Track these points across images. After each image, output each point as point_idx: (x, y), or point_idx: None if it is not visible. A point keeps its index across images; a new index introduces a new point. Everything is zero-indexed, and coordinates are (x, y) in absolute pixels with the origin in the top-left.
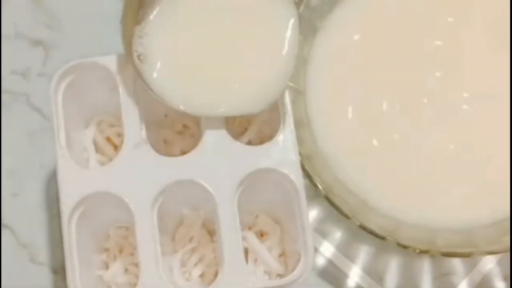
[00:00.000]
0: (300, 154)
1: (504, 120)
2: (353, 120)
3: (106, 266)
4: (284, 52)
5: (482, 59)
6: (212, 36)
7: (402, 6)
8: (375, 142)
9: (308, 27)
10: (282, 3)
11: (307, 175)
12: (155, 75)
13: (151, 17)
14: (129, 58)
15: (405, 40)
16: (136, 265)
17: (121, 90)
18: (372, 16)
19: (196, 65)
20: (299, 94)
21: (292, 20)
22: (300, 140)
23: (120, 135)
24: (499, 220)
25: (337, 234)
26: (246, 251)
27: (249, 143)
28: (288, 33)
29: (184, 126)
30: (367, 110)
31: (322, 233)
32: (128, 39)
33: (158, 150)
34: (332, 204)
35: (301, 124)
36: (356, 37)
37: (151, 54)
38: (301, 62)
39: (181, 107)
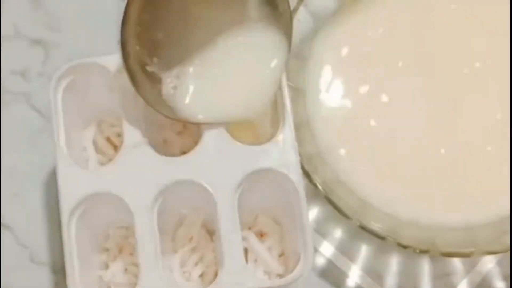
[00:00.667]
0: (300, 154)
1: (504, 119)
2: (354, 120)
3: (106, 266)
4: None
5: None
6: (221, 57)
7: (402, 8)
8: (375, 142)
9: (308, 27)
10: (276, 38)
11: (307, 175)
12: (185, 98)
13: (190, 69)
14: (129, 77)
15: (405, 41)
16: (136, 265)
17: (120, 90)
18: (372, 17)
19: (210, 81)
20: (299, 94)
21: (275, 61)
22: (300, 140)
23: (120, 135)
24: (499, 220)
25: (337, 234)
26: (246, 251)
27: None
28: (274, 63)
29: (184, 126)
30: (368, 110)
31: (322, 233)
32: (128, 60)
33: (158, 150)
34: (332, 204)
35: (301, 124)
36: (356, 37)
37: (184, 86)
38: (301, 62)
39: (200, 116)
